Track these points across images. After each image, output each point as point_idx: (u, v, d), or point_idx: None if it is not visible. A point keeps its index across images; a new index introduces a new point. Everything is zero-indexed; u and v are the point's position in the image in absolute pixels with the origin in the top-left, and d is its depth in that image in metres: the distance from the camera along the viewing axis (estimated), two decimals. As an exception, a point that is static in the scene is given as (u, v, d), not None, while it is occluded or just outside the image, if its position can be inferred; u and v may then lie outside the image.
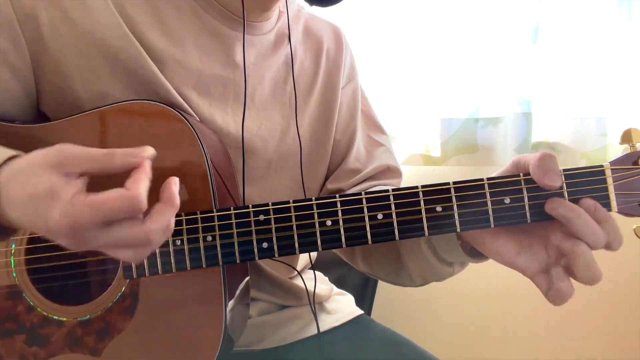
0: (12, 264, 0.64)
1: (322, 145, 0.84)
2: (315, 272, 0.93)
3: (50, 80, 0.66)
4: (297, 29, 0.84)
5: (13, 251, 0.64)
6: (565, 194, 0.57)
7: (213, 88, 0.73)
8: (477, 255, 0.65)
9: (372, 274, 0.85)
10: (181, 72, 0.70)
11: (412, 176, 1.38)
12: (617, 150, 1.25)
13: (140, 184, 0.47)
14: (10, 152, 0.53)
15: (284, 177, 0.79)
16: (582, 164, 1.26)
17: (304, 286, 0.84)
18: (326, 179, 0.87)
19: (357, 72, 0.91)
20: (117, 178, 0.48)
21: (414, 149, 1.37)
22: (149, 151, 0.50)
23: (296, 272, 0.86)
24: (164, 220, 0.49)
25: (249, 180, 0.75)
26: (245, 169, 0.74)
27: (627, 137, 0.58)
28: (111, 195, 0.46)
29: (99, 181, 0.49)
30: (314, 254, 0.91)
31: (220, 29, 0.74)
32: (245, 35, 0.73)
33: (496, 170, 0.61)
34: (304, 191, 0.79)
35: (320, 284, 0.92)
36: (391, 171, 0.86)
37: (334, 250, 0.90)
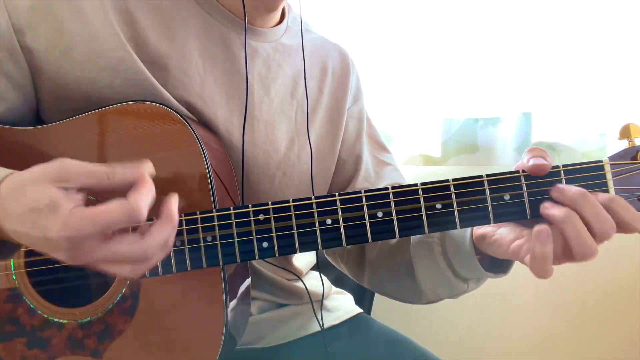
0: (12, 266, 0.64)
1: (325, 165, 0.84)
2: (315, 272, 0.93)
3: (49, 90, 0.66)
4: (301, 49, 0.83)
5: (13, 254, 0.64)
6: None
7: (217, 97, 0.72)
8: (495, 270, 0.66)
9: (379, 290, 0.85)
10: (185, 80, 0.70)
11: (412, 176, 1.37)
12: (617, 150, 1.25)
13: (142, 196, 0.47)
14: (7, 171, 0.52)
15: (287, 195, 0.78)
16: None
17: (303, 287, 0.84)
18: None
19: (362, 93, 0.91)
20: (118, 195, 0.48)
21: (414, 149, 1.37)
22: (149, 167, 0.50)
23: (296, 276, 0.86)
24: (162, 236, 0.50)
25: (253, 194, 0.75)
26: (248, 183, 0.74)
27: (625, 132, 0.58)
28: (110, 206, 0.46)
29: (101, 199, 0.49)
30: (313, 261, 0.91)
31: (227, 35, 0.73)
32: (248, 39, 0.73)
33: (496, 170, 0.61)
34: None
35: (318, 282, 0.91)
36: None
37: (341, 270, 0.91)
